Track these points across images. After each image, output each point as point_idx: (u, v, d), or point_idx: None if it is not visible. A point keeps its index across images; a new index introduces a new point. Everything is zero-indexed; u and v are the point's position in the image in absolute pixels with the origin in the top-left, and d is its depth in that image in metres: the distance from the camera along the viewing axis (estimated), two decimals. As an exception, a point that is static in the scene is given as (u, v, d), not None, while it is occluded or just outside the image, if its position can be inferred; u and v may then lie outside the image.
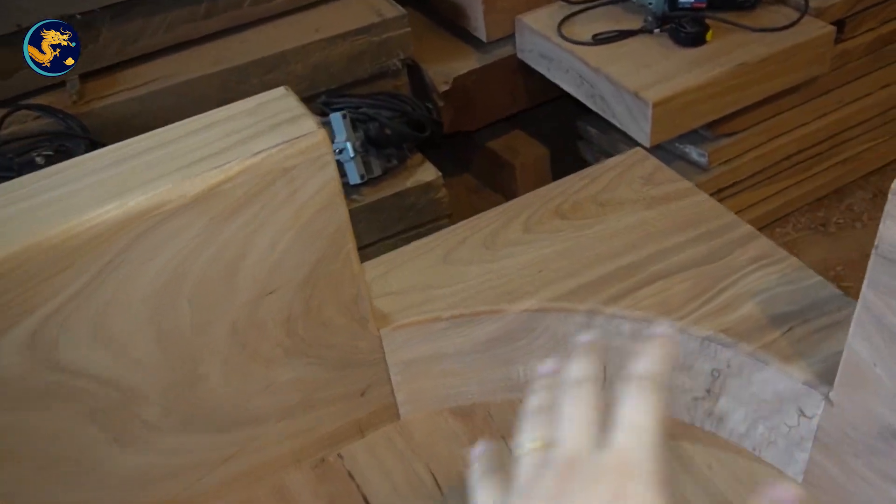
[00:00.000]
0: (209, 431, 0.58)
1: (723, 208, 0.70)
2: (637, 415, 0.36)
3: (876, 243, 0.45)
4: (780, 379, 0.57)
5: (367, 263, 0.68)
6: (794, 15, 1.27)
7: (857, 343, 0.50)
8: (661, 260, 0.65)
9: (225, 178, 0.48)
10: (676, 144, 1.31)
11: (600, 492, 0.34)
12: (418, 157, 1.32)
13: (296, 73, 1.29)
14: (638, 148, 0.79)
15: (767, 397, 0.59)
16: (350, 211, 1.25)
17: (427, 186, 1.28)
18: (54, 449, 0.52)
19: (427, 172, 1.29)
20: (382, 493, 0.63)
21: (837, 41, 1.37)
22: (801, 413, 0.57)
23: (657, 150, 1.34)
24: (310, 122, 0.52)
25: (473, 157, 1.62)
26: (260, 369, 0.57)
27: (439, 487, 0.63)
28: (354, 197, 1.24)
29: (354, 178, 1.17)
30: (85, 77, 1.21)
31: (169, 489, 0.59)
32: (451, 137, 1.48)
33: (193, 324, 0.53)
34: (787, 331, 0.59)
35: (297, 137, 0.50)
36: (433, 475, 0.63)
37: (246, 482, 0.63)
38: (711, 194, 1.27)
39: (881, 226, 0.44)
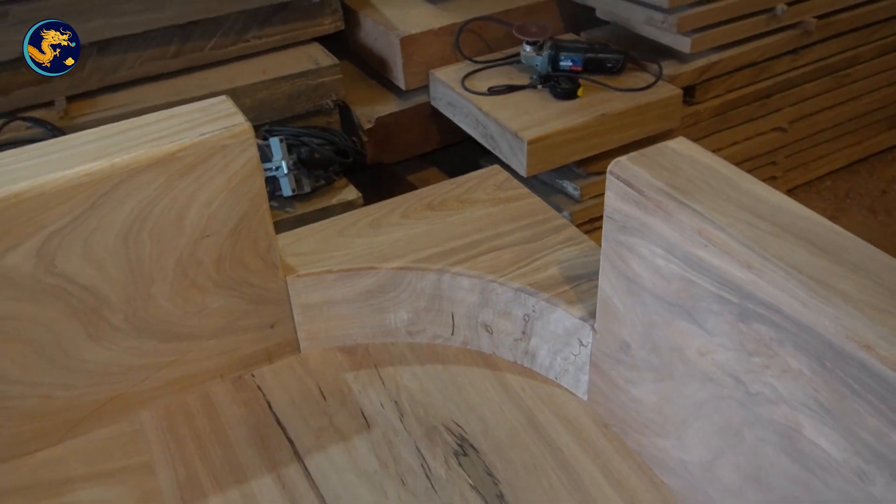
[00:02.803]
0: (155, 339, 0.76)
1: (547, 207, 0.91)
2: None
3: (605, 209, 0.66)
4: (566, 318, 0.77)
5: (281, 234, 0.87)
6: (652, 80, 1.51)
7: (604, 283, 0.70)
8: (497, 239, 0.85)
9: (179, 149, 0.68)
10: (556, 180, 1.53)
11: None
12: (343, 180, 1.51)
13: (244, 106, 1.46)
14: (496, 165, 1.00)
15: (560, 333, 0.79)
16: (282, 220, 1.45)
17: (349, 204, 1.47)
18: (46, 335, 0.70)
19: (349, 193, 1.48)
20: (282, 401, 0.80)
21: (689, 103, 1.61)
22: (580, 343, 0.77)
23: (540, 184, 1.56)
24: (240, 118, 0.71)
25: (392, 186, 1.82)
26: (196, 295, 0.76)
27: (324, 397, 0.81)
28: (287, 209, 1.42)
29: (287, 191, 1.36)
30: (70, 98, 1.38)
31: (122, 383, 0.76)
32: (373, 168, 1.68)
33: (150, 253, 0.71)
34: (575, 285, 0.79)
35: (231, 125, 0.70)
36: (321, 390, 0.82)
37: (180, 387, 0.80)
38: (584, 222, 1.50)
39: (605, 195, 0.65)
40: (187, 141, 0.68)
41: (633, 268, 0.64)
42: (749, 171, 1.78)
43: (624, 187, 0.61)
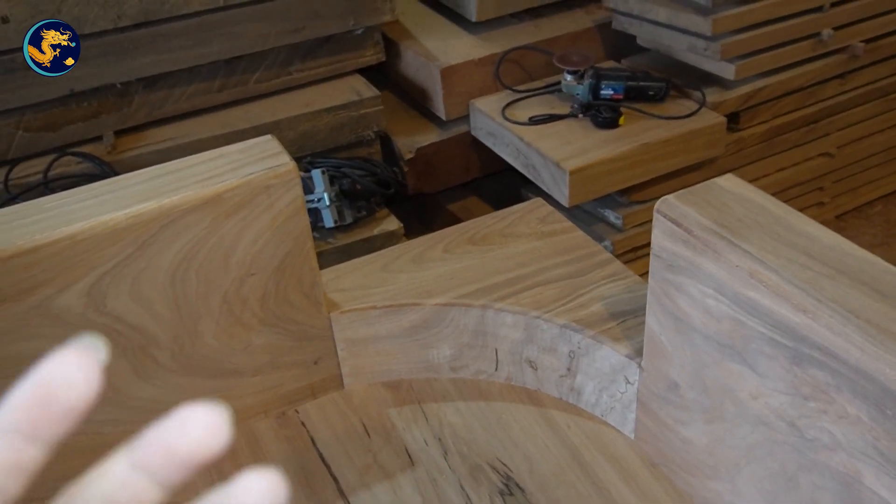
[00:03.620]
0: (201, 376, 0.76)
1: (591, 241, 0.90)
2: None
3: (652, 247, 0.65)
4: (612, 355, 0.76)
5: (325, 270, 0.87)
6: (695, 107, 1.49)
7: (651, 321, 0.69)
8: (541, 274, 0.85)
9: (226, 189, 0.68)
10: (599, 209, 1.52)
11: None
12: (384, 211, 1.52)
13: (287, 139, 1.48)
14: (539, 198, 1.00)
15: (606, 370, 0.78)
16: (324, 251, 1.46)
17: (391, 234, 1.48)
18: (94, 374, 0.71)
19: (391, 223, 1.49)
20: (326, 437, 0.80)
21: (734, 130, 1.59)
22: (627, 380, 0.76)
23: (583, 213, 1.55)
24: (285, 157, 0.72)
25: (434, 216, 1.82)
26: (241, 332, 0.76)
27: (367, 433, 0.81)
28: (329, 240, 1.43)
29: (329, 223, 1.36)
30: (119, 133, 1.41)
31: (170, 420, 0.77)
32: (414, 198, 1.69)
33: (197, 291, 0.72)
34: (621, 322, 0.78)
35: (276, 166, 0.70)
36: (364, 426, 0.82)
37: (227, 423, 0.81)
38: (626, 252, 1.49)
39: (652, 233, 0.64)
40: (233, 182, 0.69)
41: (681, 307, 0.63)
42: (796, 197, 1.76)
43: (671, 226, 0.60)
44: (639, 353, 0.73)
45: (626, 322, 0.78)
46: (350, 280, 0.86)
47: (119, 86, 1.36)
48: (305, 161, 1.47)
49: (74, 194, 0.69)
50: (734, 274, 0.55)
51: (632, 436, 0.77)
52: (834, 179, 1.83)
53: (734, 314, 0.56)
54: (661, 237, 0.62)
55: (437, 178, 1.67)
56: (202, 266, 0.71)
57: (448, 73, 1.57)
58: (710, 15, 1.40)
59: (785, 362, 0.53)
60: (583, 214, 1.55)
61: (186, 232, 0.68)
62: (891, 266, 0.52)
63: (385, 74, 1.75)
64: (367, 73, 1.62)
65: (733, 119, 1.56)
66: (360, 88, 1.56)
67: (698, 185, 0.63)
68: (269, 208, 0.71)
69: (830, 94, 1.69)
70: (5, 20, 1.20)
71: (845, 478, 0.51)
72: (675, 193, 0.62)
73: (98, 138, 1.39)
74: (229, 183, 0.69)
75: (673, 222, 0.60)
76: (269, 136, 0.76)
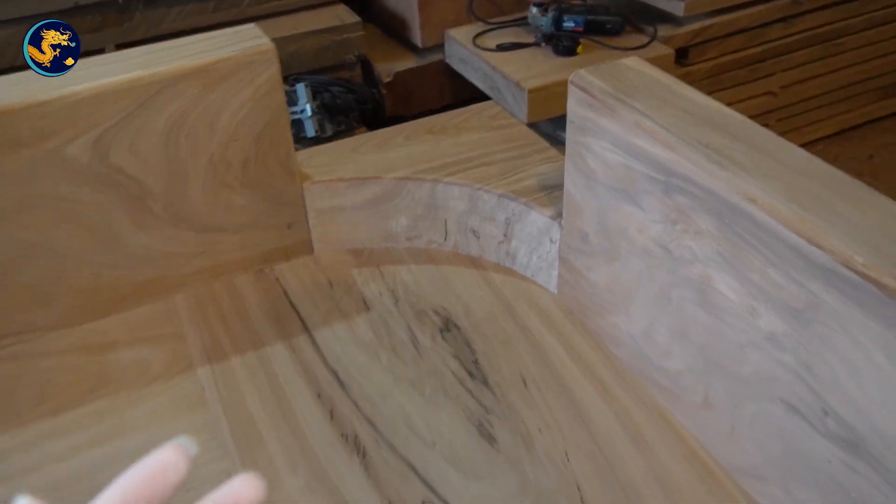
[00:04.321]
0: (190, 230, 0.86)
1: (534, 134, 1.01)
2: None
3: (567, 114, 0.76)
4: (539, 218, 0.87)
5: (300, 151, 0.97)
6: (647, 40, 1.59)
7: (567, 182, 0.79)
8: (486, 157, 0.95)
9: (213, 62, 0.78)
10: (557, 131, 1.62)
11: None
12: (363, 129, 1.62)
13: (275, 58, 1.58)
14: (492, 100, 1.10)
15: (535, 234, 0.88)
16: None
17: (367, 149, 1.57)
18: (98, 217, 0.81)
19: (368, 139, 1.59)
20: (296, 289, 0.90)
21: (683, 65, 1.69)
22: (551, 240, 0.87)
23: (542, 134, 1.65)
24: (265, 40, 0.81)
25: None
26: (224, 192, 0.86)
27: (331, 286, 0.91)
28: (311, 151, 1.53)
29: (310, 133, 1.46)
30: (119, 46, 1.49)
31: (160, 267, 0.87)
32: (391, 120, 1.78)
33: (186, 153, 0.82)
34: (549, 192, 0.88)
35: (257, 45, 0.80)
36: (329, 281, 0.92)
37: (209, 275, 0.91)
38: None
39: (568, 102, 0.75)
40: (220, 55, 0.78)
41: (588, 164, 0.73)
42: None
43: (581, 93, 0.71)
44: (560, 214, 0.84)
45: (553, 192, 0.88)
46: (321, 159, 0.96)
47: (121, 2, 1.44)
48: (291, 77, 1.56)
49: (84, 63, 0.78)
50: (624, 126, 0.66)
51: (555, 291, 0.88)
52: (778, 118, 1.94)
53: (625, 161, 0.67)
54: (574, 104, 0.73)
55: (413, 102, 1.77)
56: (191, 129, 0.80)
57: (425, 4, 1.66)
58: (661, -47, 1.49)
59: (659, 194, 0.64)
60: (542, 136, 1.64)
61: (178, 98, 0.78)
62: (741, 115, 0.63)
63: (366, 7, 1.84)
64: (350, 3, 1.71)
65: (683, 54, 1.66)
66: (344, 16, 1.65)
67: (607, 63, 0.73)
68: (250, 82, 0.81)
69: (775, 36, 1.78)
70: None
71: (700, 285, 0.62)
72: (586, 68, 0.72)
73: (100, 51, 1.48)
74: (216, 56, 0.78)
75: (582, 90, 0.70)
76: (251, 25, 0.85)
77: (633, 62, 0.73)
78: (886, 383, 0.48)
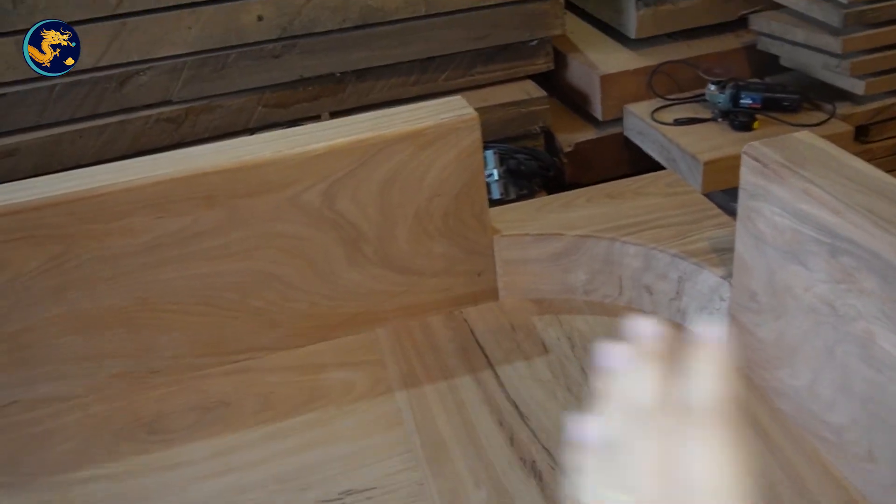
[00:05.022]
0: (394, 271, 0.97)
1: (709, 202, 1.06)
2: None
3: (740, 182, 0.81)
4: (710, 277, 0.91)
5: (493, 209, 1.07)
6: (825, 118, 1.60)
7: (738, 244, 0.84)
8: (661, 220, 1.01)
9: (424, 128, 0.90)
10: (730, 203, 1.65)
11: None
12: (544, 193, 1.71)
13: (466, 128, 1.71)
14: (669, 169, 1.16)
15: (705, 291, 0.93)
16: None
17: (546, 213, 1.66)
18: (320, 255, 0.93)
19: (547, 203, 1.68)
20: (482, 330, 0.98)
21: (863, 143, 1.68)
22: (720, 298, 0.91)
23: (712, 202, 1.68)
24: (470, 109, 0.93)
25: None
26: (425, 240, 0.97)
27: (514, 329, 0.99)
28: (495, 213, 1.64)
29: (496, 195, 1.57)
30: (333, 114, 1.67)
31: (367, 303, 0.98)
32: (571, 187, 1.86)
33: (398, 203, 0.93)
34: (720, 254, 0.92)
35: (463, 114, 0.91)
36: (512, 325, 1.00)
37: (407, 313, 1.01)
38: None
39: (741, 171, 0.80)
40: (431, 123, 0.90)
41: (758, 227, 0.78)
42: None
43: (753, 162, 0.77)
44: (730, 274, 0.89)
45: (724, 255, 0.93)
46: (510, 215, 1.05)
47: (337, 75, 1.62)
48: (480, 145, 1.67)
49: (319, 126, 0.92)
50: (793, 193, 0.71)
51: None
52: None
53: (793, 224, 0.72)
54: (746, 172, 0.78)
55: (593, 170, 1.84)
56: (403, 183, 0.92)
57: (606, 80, 1.75)
58: (840, 35, 1.51)
59: (826, 255, 0.68)
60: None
61: (395, 156, 0.90)
62: (909, 185, 0.66)
63: (551, 83, 1.95)
64: (537, 79, 1.82)
65: (863, 132, 1.65)
66: (530, 90, 1.76)
67: (779, 136, 0.78)
68: (455, 145, 0.92)
69: (962, 115, 1.73)
70: (260, 18, 1.49)
71: (864, 341, 0.66)
72: (759, 140, 0.78)
73: (317, 117, 1.66)
74: (428, 123, 0.90)
75: (754, 159, 0.76)
76: (458, 96, 0.97)
77: (804, 135, 0.78)
78: None
